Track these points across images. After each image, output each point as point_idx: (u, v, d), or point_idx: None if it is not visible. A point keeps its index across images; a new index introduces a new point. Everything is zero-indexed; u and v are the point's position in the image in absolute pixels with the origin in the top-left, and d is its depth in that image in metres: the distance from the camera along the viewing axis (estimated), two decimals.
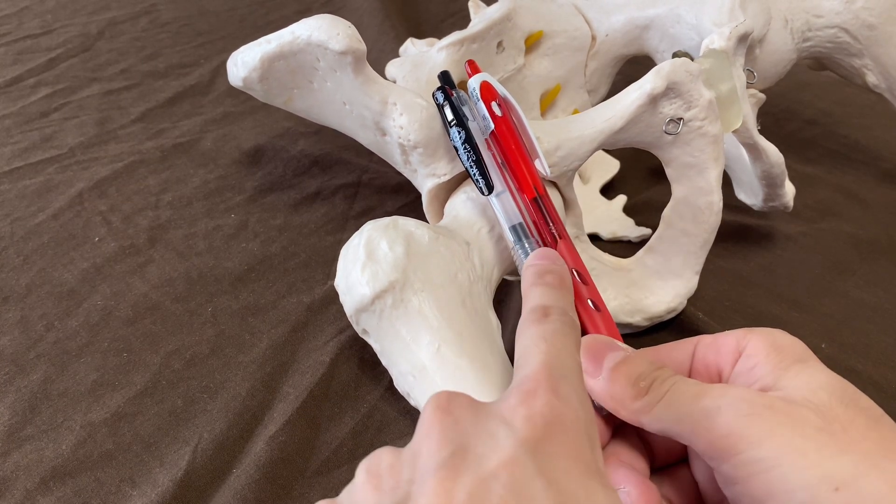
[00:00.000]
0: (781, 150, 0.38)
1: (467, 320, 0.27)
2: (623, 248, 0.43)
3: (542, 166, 0.30)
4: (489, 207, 0.30)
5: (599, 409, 0.25)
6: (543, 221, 0.28)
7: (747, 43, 0.36)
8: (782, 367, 0.22)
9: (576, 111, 0.45)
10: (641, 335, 0.36)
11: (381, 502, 0.18)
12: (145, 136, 0.52)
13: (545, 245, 0.28)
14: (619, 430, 0.25)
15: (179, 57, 0.63)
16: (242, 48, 0.37)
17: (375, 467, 0.19)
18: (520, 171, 0.29)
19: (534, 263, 0.26)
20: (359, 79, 0.33)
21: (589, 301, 0.26)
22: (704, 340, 0.24)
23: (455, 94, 0.32)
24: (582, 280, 0.27)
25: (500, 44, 0.41)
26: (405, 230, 0.28)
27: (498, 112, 0.30)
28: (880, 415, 0.20)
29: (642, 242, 0.38)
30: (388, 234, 0.27)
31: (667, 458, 0.25)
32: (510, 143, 0.30)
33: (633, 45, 0.44)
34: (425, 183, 0.34)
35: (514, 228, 0.28)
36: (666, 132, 0.32)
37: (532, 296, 0.24)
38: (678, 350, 0.25)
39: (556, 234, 0.28)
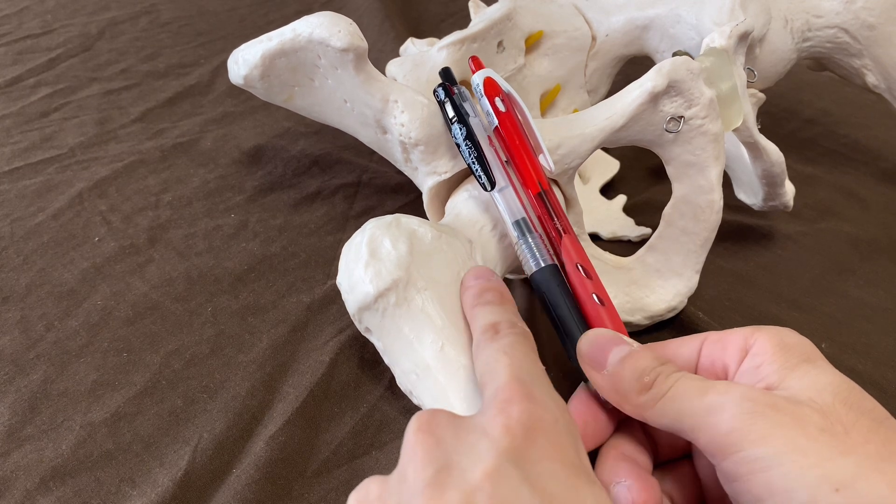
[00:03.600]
0: (781, 150, 0.38)
1: None
2: (623, 247, 0.43)
3: (547, 161, 0.30)
4: (491, 205, 0.30)
5: (604, 403, 0.25)
6: (548, 216, 0.28)
7: (748, 42, 0.36)
8: (788, 366, 0.22)
9: (576, 111, 0.45)
10: (642, 334, 0.36)
11: None
12: (145, 136, 0.52)
13: (549, 240, 0.28)
14: (622, 424, 0.25)
15: (179, 57, 0.63)
16: (243, 46, 0.37)
17: (364, 498, 0.19)
18: (524, 166, 0.29)
19: (469, 285, 0.26)
20: (360, 76, 0.33)
21: (594, 295, 0.26)
22: (711, 337, 0.24)
23: (456, 91, 0.32)
24: (587, 274, 0.27)
25: (500, 43, 0.41)
26: (408, 228, 0.28)
27: (501, 108, 0.30)
28: (884, 417, 0.20)
29: (642, 242, 0.38)
30: (391, 232, 0.27)
31: (671, 453, 0.25)
32: (514, 138, 0.30)
33: (633, 46, 0.44)
34: (426, 181, 0.33)
35: (517, 223, 0.28)
36: (667, 130, 0.32)
37: (477, 317, 0.25)
38: (685, 346, 0.25)
39: (560, 229, 0.28)
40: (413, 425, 0.20)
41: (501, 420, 0.19)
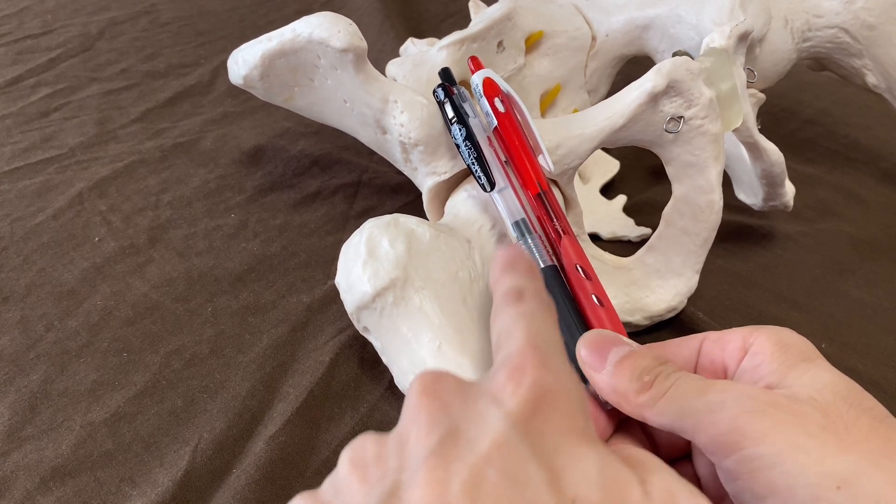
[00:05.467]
0: (781, 150, 0.38)
1: (468, 318, 0.27)
2: (623, 247, 0.43)
3: (546, 162, 0.30)
4: (490, 205, 0.30)
5: (603, 404, 0.25)
6: (547, 217, 0.28)
7: (747, 42, 0.36)
8: (788, 365, 0.22)
9: (576, 111, 0.45)
10: (641, 334, 0.36)
11: (368, 494, 0.17)
12: (145, 136, 0.52)
13: (549, 241, 0.28)
14: (622, 424, 0.25)
15: (179, 57, 0.63)
16: (243, 46, 0.37)
17: (360, 457, 0.18)
18: (523, 166, 0.29)
19: (500, 256, 0.24)
20: (360, 76, 0.33)
21: (593, 296, 0.26)
22: (710, 337, 0.24)
23: (456, 92, 0.32)
24: (586, 275, 0.27)
25: (500, 43, 0.41)
26: (406, 228, 0.28)
27: (501, 108, 0.30)
28: (885, 415, 0.20)
29: (642, 242, 0.38)
30: (390, 232, 0.27)
31: (670, 454, 0.25)
32: (513, 138, 0.30)
33: (633, 46, 0.44)
34: (426, 181, 0.34)
35: (517, 224, 0.28)
36: (667, 130, 0.32)
37: (503, 281, 0.23)
38: (684, 346, 0.25)
39: (559, 230, 0.28)
40: (416, 387, 0.18)
41: (511, 388, 0.18)
